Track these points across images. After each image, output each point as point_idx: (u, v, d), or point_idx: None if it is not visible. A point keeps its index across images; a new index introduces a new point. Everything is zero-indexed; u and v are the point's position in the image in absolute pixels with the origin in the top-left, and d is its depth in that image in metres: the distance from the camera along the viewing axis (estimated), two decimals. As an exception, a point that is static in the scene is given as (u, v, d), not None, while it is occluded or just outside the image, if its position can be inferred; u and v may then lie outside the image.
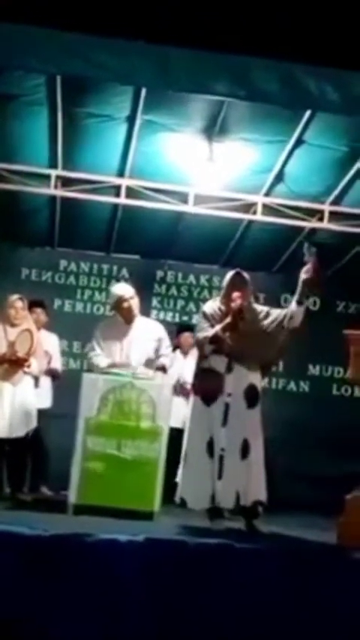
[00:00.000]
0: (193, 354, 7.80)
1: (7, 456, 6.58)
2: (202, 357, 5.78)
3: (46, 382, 7.46)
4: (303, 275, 5.62)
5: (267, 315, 5.76)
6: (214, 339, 5.64)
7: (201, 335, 5.75)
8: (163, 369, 6.47)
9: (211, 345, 5.66)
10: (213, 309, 5.80)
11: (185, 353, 7.91)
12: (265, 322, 5.72)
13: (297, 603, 4.48)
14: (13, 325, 6.58)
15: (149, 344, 6.51)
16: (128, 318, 6.52)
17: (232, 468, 5.48)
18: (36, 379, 6.77)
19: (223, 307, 5.74)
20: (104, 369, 6.29)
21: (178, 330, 8.14)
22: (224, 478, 5.47)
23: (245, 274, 5.77)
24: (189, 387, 7.29)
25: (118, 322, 6.60)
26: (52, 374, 7.53)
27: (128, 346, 6.42)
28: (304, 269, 5.63)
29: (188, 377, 6.95)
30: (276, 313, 5.77)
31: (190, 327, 8.44)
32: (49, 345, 7.46)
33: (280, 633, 4.42)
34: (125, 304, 6.49)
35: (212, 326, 5.69)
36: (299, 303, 5.65)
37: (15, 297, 6.65)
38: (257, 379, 5.72)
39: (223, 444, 5.51)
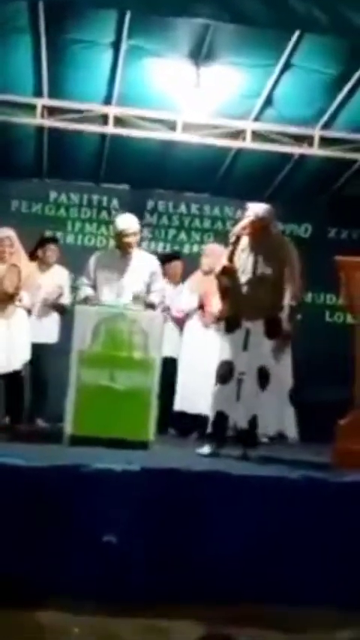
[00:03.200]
0: (181, 283, 7.81)
1: (5, 389, 6.65)
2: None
3: (54, 317, 7.50)
4: None
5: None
6: (225, 271, 5.67)
7: (219, 267, 5.81)
8: (151, 306, 6.40)
9: (224, 275, 5.70)
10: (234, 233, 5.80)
11: (176, 283, 7.82)
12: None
13: (294, 528, 4.52)
14: (1, 260, 6.56)
15: (143, 277, 6.38)
16: (126, 252, 6.39)
17: (250, 392, 5.53)
18: (29, 311, 6.78)
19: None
20: (85, 299, 6.26)
21: (164, 260, 7.96)
22: (242, 400, 5.54)
23: (255, 206, 5.73)
24: (180, 315, 7.33)
25: (115, 254, 6.50)
26: (59, 309, 7.51)
27: (122, 278, 6.30)
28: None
29: (179, 305, 6.92)
30: None
31: (176, 256, 8.37)
32: (62, 280, 7.56)
33: (278, 558, 4.47)
34: (126, 239, 6.33)
35: (234, 251, 5.69)
36: None
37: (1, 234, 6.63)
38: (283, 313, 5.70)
39: (242, 368, 5.56)
